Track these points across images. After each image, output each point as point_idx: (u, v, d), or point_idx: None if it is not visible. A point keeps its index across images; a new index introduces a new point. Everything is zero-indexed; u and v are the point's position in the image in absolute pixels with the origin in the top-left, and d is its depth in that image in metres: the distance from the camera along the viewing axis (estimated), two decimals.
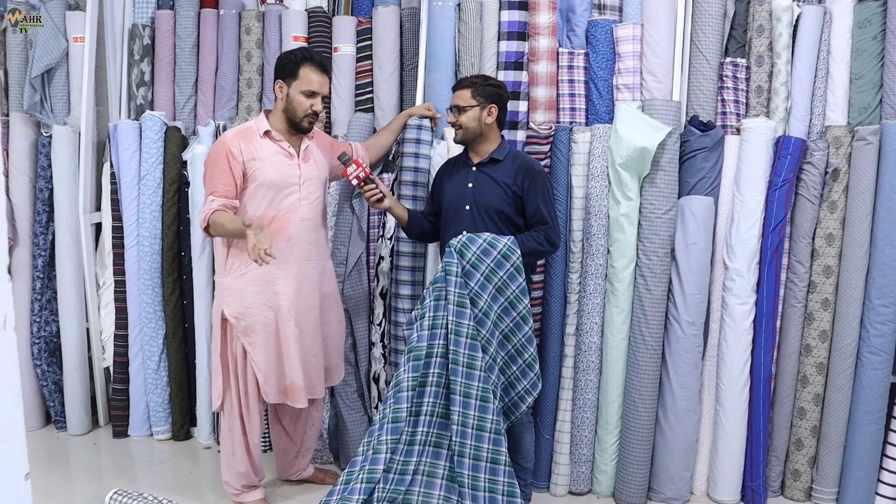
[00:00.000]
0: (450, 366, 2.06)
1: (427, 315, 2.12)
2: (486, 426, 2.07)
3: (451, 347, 2.06)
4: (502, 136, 2.37)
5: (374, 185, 2.30)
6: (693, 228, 2.47)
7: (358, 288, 2.74)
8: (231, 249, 2.24)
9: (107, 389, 3.23)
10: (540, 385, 2.19)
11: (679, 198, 2.51)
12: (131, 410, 3.11)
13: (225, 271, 2.26)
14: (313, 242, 2.28)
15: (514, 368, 2.20)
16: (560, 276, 2.60)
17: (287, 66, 2.19)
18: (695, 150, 2.48)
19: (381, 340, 2.73)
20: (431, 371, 2.10)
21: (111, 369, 3.15)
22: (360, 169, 2.28)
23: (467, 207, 2.26)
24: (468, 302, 2.07)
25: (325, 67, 2.22)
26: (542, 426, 2.66)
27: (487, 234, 2.15)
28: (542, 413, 2.66)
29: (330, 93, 2.91)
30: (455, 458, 2.08)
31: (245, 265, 2.22)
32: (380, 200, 2.33)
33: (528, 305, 2.14)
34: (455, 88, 2.31)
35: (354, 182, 2.28)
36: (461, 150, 2.42)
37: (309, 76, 2.17)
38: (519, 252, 2.12)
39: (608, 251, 2.56)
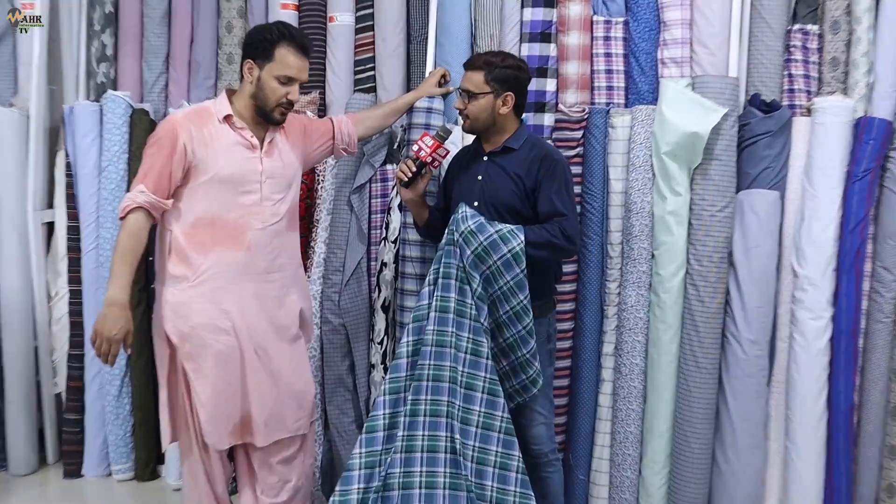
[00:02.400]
0: (451, 352, 2.11)
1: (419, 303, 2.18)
2: (495, 424, 2.10)
3: (453, 330, 2.11)
4: (521, 121, 2.35)
5: (415, 170, 2.29)
6: (755, 228, 2.46)
7: (356, 300, 2.72)
8: (173, 252, 2.17)
9: (58, 420, 3.18)
10: (534, 389, 2.19)
11: (737, 192, 2.50)
12: (86, 445, 3.07)
13: (165, 279, 2.20)
14: (276, 252, 2.24)
15: (505, 363, 2.22)
16: (595, 286, 2.60)
17: (261, 45, 2.14)
18: (756, 136, 2.46)
19: (383, 362, 2.70)
20: (425, 363, 2.13)
21: (63, 396, 3.11)
22: (430, 150, 2.27)
23: (475, 204, 2.27)
24: (468, 277, 2.12)
25: (306, 49, 2.18)
26: (574, 464, 2.65)
27: (491, 222, 2.17)
28: (574, 449, 2.64)
29: (325, 70, 2.91)
30: (460, 460, 2.12)
31: (194, 274, 2.15)
32: (407, 186, 2.31)
33: (524, 301, 2.13)
34: (467, 67, 2.28)
35: (414, 149, 2.29)
36: (475, 137, 2.41)
37: (286, 59, 2.13)
38: (521, 239, 2.11)
39: (653, 256, 2.55)
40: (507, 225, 2.14)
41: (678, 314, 2.51)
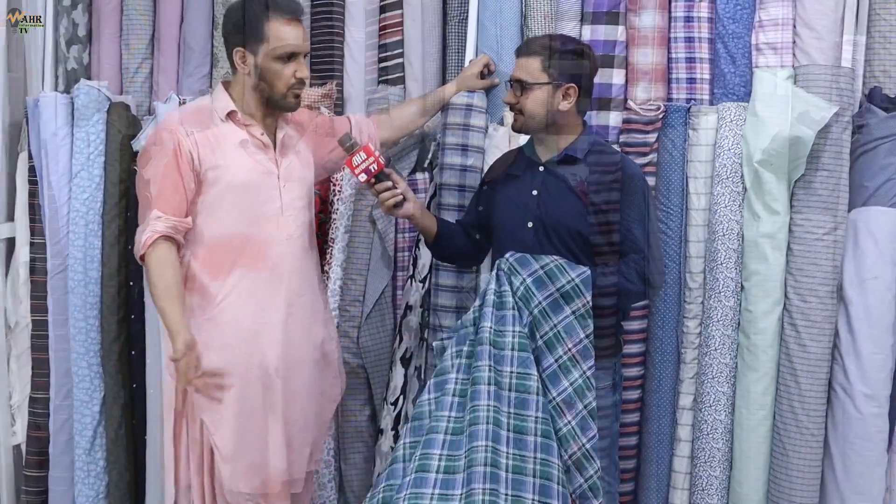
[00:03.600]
0: (491, 390, 2.00)
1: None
2: (553, 473, 1.99)
3: (491, 363, 2.02)
4: (584, 123, 2.28)
5: (390, 184, 2.20)
6: (872, 255, 2.36)
7: (379, 337, 2.69)
8: (189, 280, 2.16)
9: (15, 478, 3.09)
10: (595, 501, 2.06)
11: (850, 210, 2.41)
12: None
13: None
14: (304, 271, 2.26)
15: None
16: (671, 324, 2.55)
17: (246, 27, 2.13)
18: (876, 140, 2.37)
19: (394, 428, 2.64)
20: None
21: (23, 448, 3.03)
22: (372, 160, 2.18)
23: (530, 224, 2.19)
24: (510, 301, 2.06)
25: (295, 11, 2.17)
26: None
27: (552, 258, 2.09)
28: None
29: (343, 55, 2.83)
30: None
31: (210, 304, 2.14)
32: (398, 205, 2.22)
33: (587, 373, 2.05)
34: (519, 54, 2.23)
35: (362, 178, 2.21)
36: (525, 140, 2.35)
37: (279, 32, 2.11)
38: (587, 298, 2.04)
39: (742, 288, 2.47)
40: (570, 272, 2.05)
41: (773, 360, 2.43)
